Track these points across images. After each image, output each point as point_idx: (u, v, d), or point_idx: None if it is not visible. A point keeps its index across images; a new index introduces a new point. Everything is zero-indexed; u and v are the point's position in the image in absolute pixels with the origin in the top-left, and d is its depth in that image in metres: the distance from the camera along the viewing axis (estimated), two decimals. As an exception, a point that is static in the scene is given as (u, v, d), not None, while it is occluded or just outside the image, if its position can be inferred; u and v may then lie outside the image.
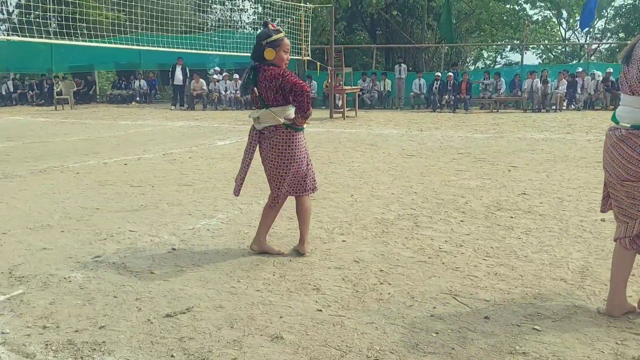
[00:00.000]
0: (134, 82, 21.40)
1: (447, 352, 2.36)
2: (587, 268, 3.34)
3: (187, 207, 4.91)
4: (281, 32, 3.45)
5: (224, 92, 18.37)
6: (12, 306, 2.85)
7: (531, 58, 37.60)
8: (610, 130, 2.67)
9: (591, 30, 29.95)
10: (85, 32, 16.22)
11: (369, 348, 2.41)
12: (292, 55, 4.31)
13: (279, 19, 15.36)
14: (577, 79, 16.52)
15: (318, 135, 10.36)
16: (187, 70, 18.41)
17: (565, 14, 31.77)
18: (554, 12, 31.62)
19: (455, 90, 16.72)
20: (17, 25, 13.44)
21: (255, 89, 3.43)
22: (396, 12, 21.88)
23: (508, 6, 26.08)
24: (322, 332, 2.56)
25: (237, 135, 10.63)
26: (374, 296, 2.96)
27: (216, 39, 15.06)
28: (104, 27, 17.05)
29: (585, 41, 31.26)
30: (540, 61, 32.31)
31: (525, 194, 5.35)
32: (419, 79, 18.18)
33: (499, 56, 36.29)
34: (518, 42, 24.35)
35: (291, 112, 3.44)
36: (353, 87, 15.48)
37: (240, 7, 29.43)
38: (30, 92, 21.78)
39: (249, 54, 3.64)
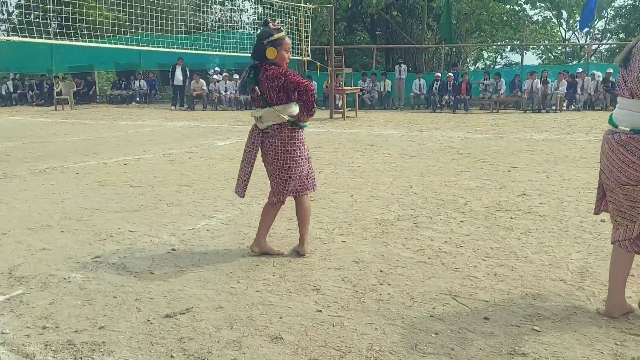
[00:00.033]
0: (134, 83, 21.41)
1: (447, 353, 2.36)
2: (587, 269, 3.34)
3: (186, 208, 4.91)
4: (282, 31, 3.44)
5: (224, 93, 18.37)
6: (11, 306, 2.85)
7: (531, 58, 37.74)
8: (608, 134, 2.64)
9: (591, 30, 29.99)
10: (85, 32, 16.22)
11: (368, 349, 2.41)
12: (292, 56, 4.30)
13: (279, 19, 15.35)
14: (577, 79, 16.53)
15: (318, 136, 10.36)
16: (187, 71, 18.42)
17: (565, 15, 31.79)
18: (554, 12, 31.63)
19: (455, 90, 16.73)
20: (17, 26, 13.46)
21: (257, 88, 3.42)
22: (396, 13, 21.87)
23: (508, 6, 26.05)
24: (321, 332, 2.56)
25: (237, 135, 10.62)
26: (373, 297, 2.96)
27: (216, 39, 15.07)
28: (103, 27, 17.06)
29: (585, 42, 31.26)
30: (540, 62, 32.36)
31: (525, 194, 5.35)
32: (419, 80, 18.20)
33: (499, 57, 36.35)
34: (518, 42, 24.34)
35: (294, 109, 3.43)
36: (353, 87, 15.47)
37: (240, 7, 29.47)
38: (30, 92, 21.79)
39: (249, 54, 3.63)
